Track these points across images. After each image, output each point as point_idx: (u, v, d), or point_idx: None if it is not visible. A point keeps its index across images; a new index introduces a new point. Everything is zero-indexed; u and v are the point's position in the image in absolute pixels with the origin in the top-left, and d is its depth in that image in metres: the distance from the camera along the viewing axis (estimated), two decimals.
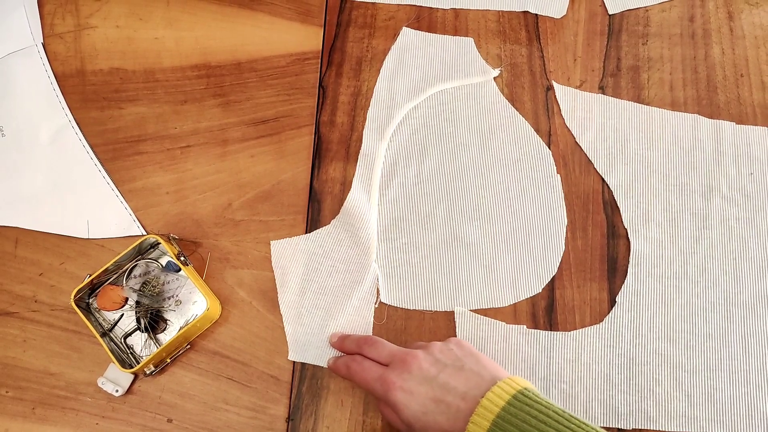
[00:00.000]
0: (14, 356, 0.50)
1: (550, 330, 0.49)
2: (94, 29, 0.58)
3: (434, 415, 0.40)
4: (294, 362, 0.49)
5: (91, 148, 0.55)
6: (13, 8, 0.58)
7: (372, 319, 0.50)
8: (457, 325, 0.50)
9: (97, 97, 0.56)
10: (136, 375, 0.49)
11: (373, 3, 0.59)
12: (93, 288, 0.50)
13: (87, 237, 0.52)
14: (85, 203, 0.53)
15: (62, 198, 0.53)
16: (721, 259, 0.50)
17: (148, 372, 0.48)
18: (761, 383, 0.47)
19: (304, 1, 0.59)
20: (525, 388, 0.39)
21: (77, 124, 0.56)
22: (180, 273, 0.50)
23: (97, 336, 0.47)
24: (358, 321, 0.50)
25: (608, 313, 0.49)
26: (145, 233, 0.52)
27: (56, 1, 0.59)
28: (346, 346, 0.47)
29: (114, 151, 0.55)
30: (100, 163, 0.54)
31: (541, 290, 0.50)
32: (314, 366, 0.49)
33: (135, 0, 0.59)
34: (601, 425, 0.46)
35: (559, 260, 0.51)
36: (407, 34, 0.58)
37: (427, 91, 0.56)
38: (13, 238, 0.53)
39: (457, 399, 0.40)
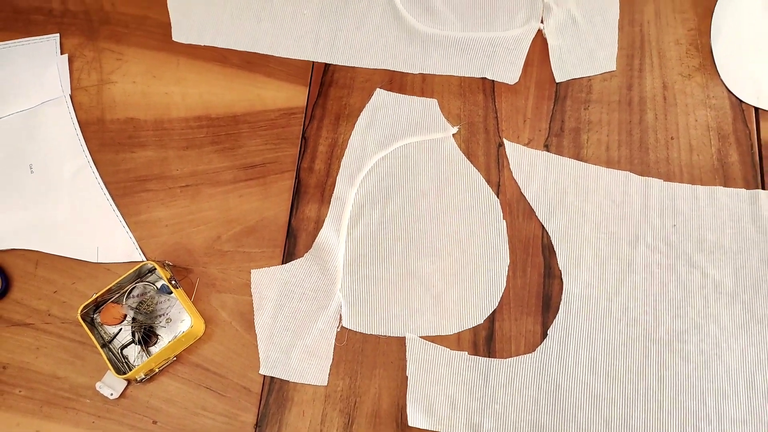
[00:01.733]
0: (28, 361, 0.59)
1: (489, 357, 0.56)
2: (115, 84, 0.68)
3: None
4: (264, 376, 0.57)
5: (105, 186, 0.64)
6: (48, 64, 0.69)
7: (334, 340, 0.58)
8: (407, 349, 0.57)
9: (113, 142, 0.66)
10: (129, 381, 0.57)
11: (353, 67, 0.68)
12: (97, 305, 0.58)
13: (96, 261, 0.61)
14: (96, 232, 0.62)
15: (78, 227, 0.62)
16: (643, 299, 0.57)
17: (139, 379, 0.56)
18: (674, 413, 0.53)
19: (295, 64, 0.68)
20: None
21: (95, 164, 0.65)
22: (171, 295, 0.58)
23: (98, 347, 0.56)
24: (322, 342, 0.58)
25: (540, 344, 0.56)
26: (144, 260, 0.61)
27: (84, 59, 0.70)
28: None
29: (124, 189, 0.64)
30: (112, 198, 0.64)
31: (482, 321, 0.57)
32: (281, 380, 0.57)
33: (151, 60, 0.69)
34: None
35: (500, 295, 0.58)
36: (380, 95, 0.67)
37: (394, 145, 0.65)
38: (34, 260, 0.62)
39: None
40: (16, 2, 0.72)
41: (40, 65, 0.69)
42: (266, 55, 0.69)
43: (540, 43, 0.67)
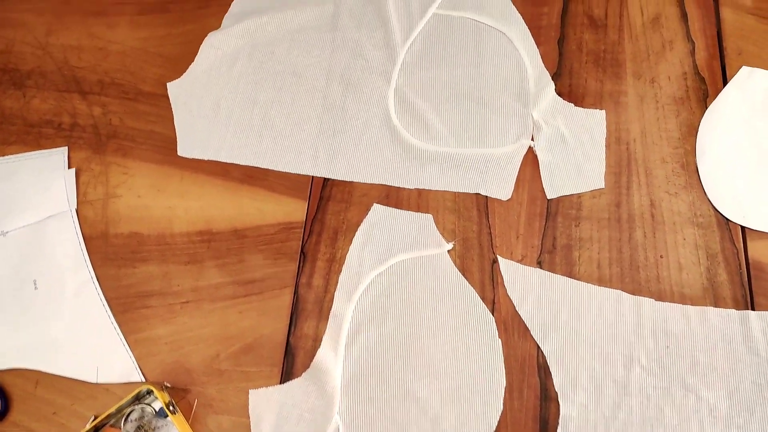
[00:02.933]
0: None
1: None
2: (120, 198, 0.71)
3: None
4: None
5: (107, 302, 0.65)
6: (55, 178, 0.71)
7: None
8: None
9: (116, 257, 0.68)
10: None
11: (350, 182, 0.70)
12: (96, 429, 0.58)
13: (95, 382, 0.62)
14: (96, 351, 0.63)
15: (78, 346, 0.63)
16: (639, 424, 0.57)
17: None
18: None
19: (294, 178, 0.71)
20: None
21: (97, 279, 0.67)
22: (169, 419, 0.58)
23: None
24: None
25: None
26: (144, 380, 0.61)
27: (91, 172, 0.72)
28: None
29: (125, 305, 0.66)
30: (113, 315, 0.65)
31: None
32: None
33: (155, 174, 0.71)
34: None
35: (498, 419, 0.59)
36: (377, 210, 0.69)
37: (390, 261, 0.66)
38: (34, 379, 0.63)
39: None
40: (28, 116, 0.75)
41: (47, 178, 0.71)
42: (267, 169, 0.71)
43: (531, 159, 0.70)
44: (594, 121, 0.71)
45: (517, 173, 0.69)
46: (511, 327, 0.63)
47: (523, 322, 0.62)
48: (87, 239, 0.69)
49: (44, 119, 0.75)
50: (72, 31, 0.80)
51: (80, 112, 0.75)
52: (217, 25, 0.78)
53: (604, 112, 0.71)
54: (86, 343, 0.63)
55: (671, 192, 0.67)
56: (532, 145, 0.70)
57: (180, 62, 0.77)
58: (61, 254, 0.68)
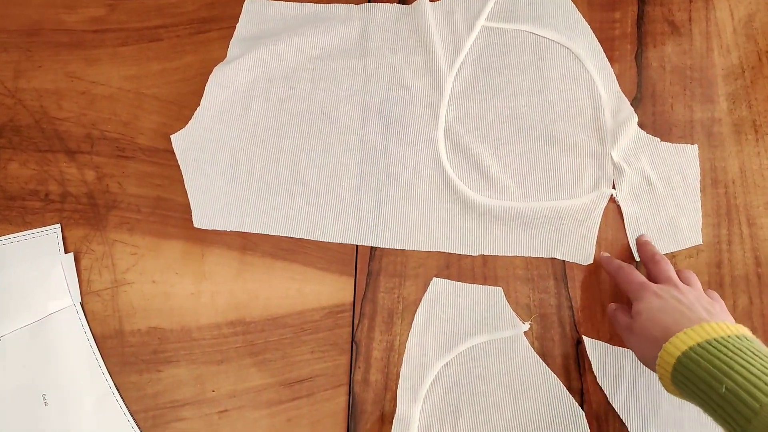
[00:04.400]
0: None
1: None
2: (131, 285, 0.60)
3: (665, 314, 0.47)
4: None
5: (132, 416, 0.56)
6: (51, 265, 0.60)
7: None
8: None
9: (136, 360, 0.58)
10: None
11: (403, 251, 0.60)
12: None
13: None
14: None
15: None
16: None
17: None
18: None
19: (336, 248, 0.60)
20: (747, 338, 0.42)
21: (117, 390, 0.57)
22: None
23: None
24: None
25: None
26: None
27: (92, 255, 0.60)
28: (643, 251, 0.56)
29: (154, 418, 0.56)
30: None
31: None
32: None
33: (170, 253, 0.60)
34: None
35: None
36: (437, 284, 0.59)
37: (458, 347, 0.57)
38: None
39: (689, 312, 0.46)
40: (6, 186, 0.63)
41: (42, 266, 0.60)
42: (302, 239, 0.60)
43: (613, 211, 0.60)
44: (686, 159, 0.60)
45: (597, 230, 0.59)
46: (605, 422, 0.55)
47: (618, 415, 0.54)
48: (99, 339, 0.58)
49: (27, 189, 0.62)
50: (45, 71, 0.65)
51: (70, 178, 0.62)
52: (221, 54, 0.65)
53: (696, 147, 0.60)
54: None
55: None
56: (614, 194, 0.59)
57: (182, 106, 0.64)
58: (70, 361, 0.57)
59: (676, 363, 0.43)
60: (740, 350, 0.41)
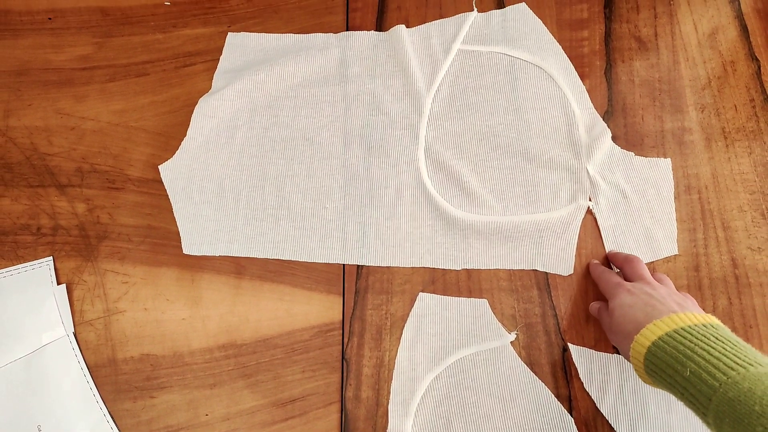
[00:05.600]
0: None
1: None
2: (123, 313, 0.61)
3: (636, 309, 0.49)
4: None
5: None
6: (44, 297, 0.61)
7: None
8: None
9: (129, 387, 0.58)
10: None
11: (388, 267, 0.61)
12: None
13: None
14: None
15: None
16: None
17: None
18: None
19: (323, 269, 0.61)
20: (713, 325, 0.44)
21: (112, 417, 0.57)
22: None
23: None
24: None
25: None
26: None
27: (84, 286, 0.62)
28: (615, 258, 0.59)
29: None
30: None
31: None
32: None
33: (161, 280, 0.61)
34: None
35: None
36: (423, 299, 0.60)
37: (446, 360, 0.58)
38: None
39: (660, 306, 0.48)
40: None
41: (35, 299, 0.61)
42: (289, 261, 0.62)
43: (591, 221, 0.61)
44: (659, 172, 0.62)
45: (576, 241, 0.60)
46: (594, 427, 0.55)
47: (607, 420, 0.55)
48: (92, 368, 0.59)
49: (19, 224, 0.64)
50: (35, 109, 0.67)
51: (61, 211, 0.64)
52: (206, 87, 0.67)
53: (669, 161, 0.62)
54: None
55: (753, 247, 0.59)
56: (591, 207, 0.61)
57: (169, 137, 0.66)
58: (65, 390, 0.58)
59: (646, 353, 0.45)
60: (704, 336, 0.43)
